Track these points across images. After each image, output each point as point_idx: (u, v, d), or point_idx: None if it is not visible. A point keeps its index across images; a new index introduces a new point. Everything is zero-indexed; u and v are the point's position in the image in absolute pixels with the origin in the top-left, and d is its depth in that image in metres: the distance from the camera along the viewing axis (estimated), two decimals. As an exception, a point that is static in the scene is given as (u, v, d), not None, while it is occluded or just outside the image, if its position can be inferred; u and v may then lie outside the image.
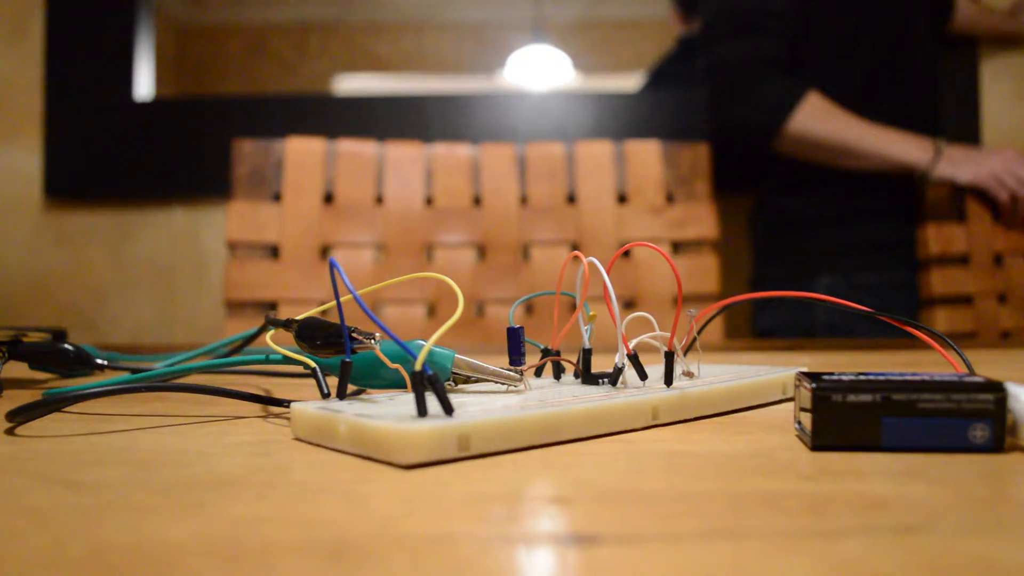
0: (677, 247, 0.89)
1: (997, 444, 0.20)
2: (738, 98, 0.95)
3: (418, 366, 0.20)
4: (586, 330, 0.27)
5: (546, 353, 0.29)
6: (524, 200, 0.89)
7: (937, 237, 0.93)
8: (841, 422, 0.20)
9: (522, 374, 0.26)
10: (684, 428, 0.25)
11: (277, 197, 0.86)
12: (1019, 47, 1.19)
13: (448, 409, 0.20)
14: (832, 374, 0.22)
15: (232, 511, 0.16)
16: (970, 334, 0.93)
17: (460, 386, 0.27)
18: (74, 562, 0.13)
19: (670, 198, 0.90)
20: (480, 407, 0.22)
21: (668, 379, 0.26)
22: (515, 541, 0.14)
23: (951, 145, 0.94)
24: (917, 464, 0.19)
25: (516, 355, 0.26)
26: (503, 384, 0.27)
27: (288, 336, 0.27)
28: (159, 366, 0.36)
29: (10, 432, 0.24)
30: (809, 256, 1.00)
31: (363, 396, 0.25)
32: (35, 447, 0.22)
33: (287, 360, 0.27)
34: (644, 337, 0.28)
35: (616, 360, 0.27)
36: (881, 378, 0.21)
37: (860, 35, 0.97)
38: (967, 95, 1.19)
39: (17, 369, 0.38)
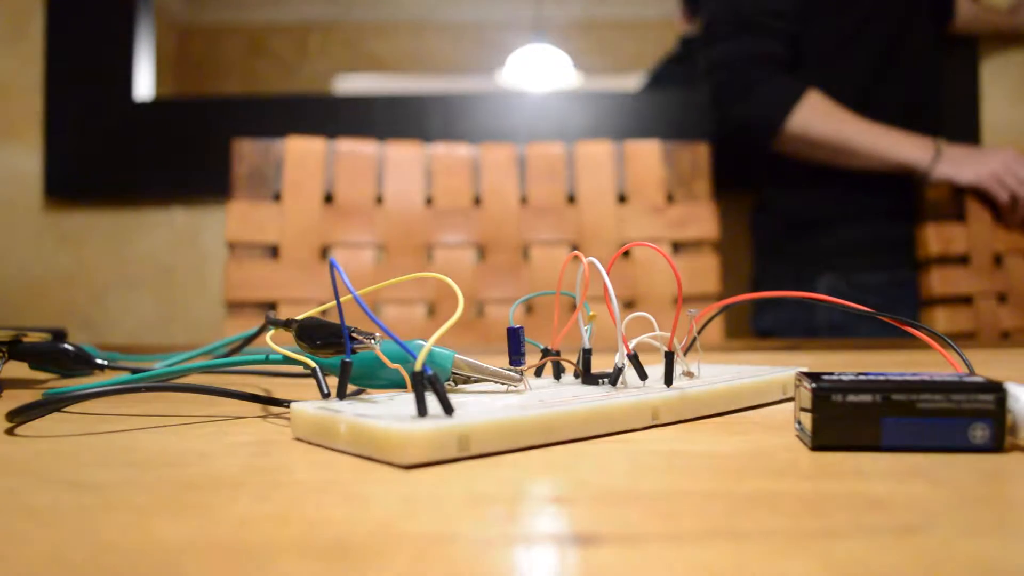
0: (677, 247, 0.88)
1: (997, 444, 0.20)
2: (738, 97, 0.95)
3: (418, 366, 0.20)
4: (586, 330, 0.27)
5: (546, 353, 0.29)
6: (524, 200, 0.89)
7: (937, 237, 0.93)
8: (841, 422, 0.20)
9: (522, 374, 0.26)
10: (684, 428, 0.25)
11: (277, 197, 0.86)
12: (1020, 45, 1.19)
13: (448, 409, 0.20)
14: (832, 374, 0.22)
15: (232, 511, 0.16)
16: (970, 334, 0.93)
17: (460, 386, 0.27)
18: (75, 562, 0.13)
19: (670, 198, 0.90)
20: (480, 407, 0.22)
21: (668, 379, 0.26)
22: (515, 541, 0.14)
23: (951, 145, 0.94)
24: (917, 464, 0.19)
25: (516, 355, 0.26)
26: (503, 384, 0.26)
27: (288, 336, 0.27)
28: (159, 366, 0.36)
29: (10, 432, 0.24)
30: (809, 256, 1.00)
31: (363, 396, 0.25)
32: (35, 447, 0.22)
33: (287, 360, 0.27)
34: (644, 337, 0.28)
35: (616, 360, 0.27)
36: (881, 378, 0.21)
37: (860, 34, 0.97)
38: (967, 95, 1.19)
39: (17, 369, 0.38)
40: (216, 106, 1.18)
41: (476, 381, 0.27)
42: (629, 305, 0.86)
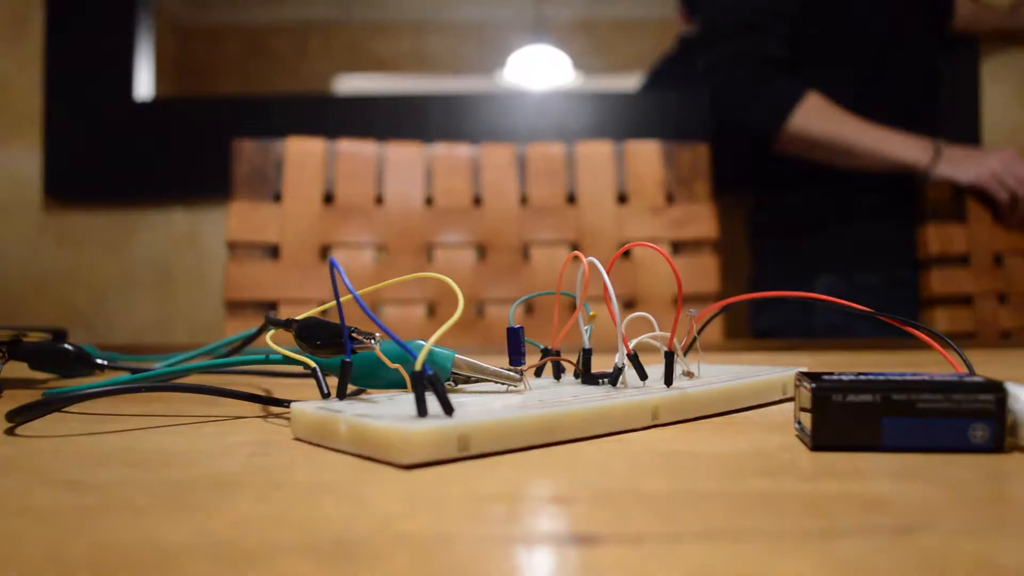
0: (677, 247, 0.88)
1: (997, 444, 0.20)
2: (738, 98, 0.95)
3: (418, 366, 0.20)
4: (586, 330, 0.27)
5: (546, 353, 0.29)
6: (524, 200, 0.89)
7: (937, 237, 0.93)
8: (841, 422, 0.20)
9: (522, 374, 0.26)
10: (684, 428, 0.25)
11: (277, 197, 0.86)
12: (1020, 45, 1.19)
13: (448, 409, 0.20)
14: (832, 374, 0.22)
15: (232, 511, 0.16)
16: (970, 334, 0.93)
17: (460, 386, 0.27)
18: (74, 562, 0.13)
19: (670, 198, 0.90)
20: (480, 407, 0.22)
21: (668, 379, 0.26)
22: (515, 541, 0.14)
23: (951, 145, 0.94)
24: (917, 464, 0.19)
25: (516, 355, 0.26)
26: (503, 384, 0.26)
27: (288, 336, 0.27)
28: (159, 366, 0.36)
29: (10, 432, 0.24)
30: (808, 256, 1.00)
31: (363, 396, 0.25)
32: (35, 447, 0.22)
33: (287, 360, 0.27)
34: (644, 337, 0.28)
35: (616, 360, 0.27)
36: (881, 378, 0.21)
37: (860, 34, 0.97)
38: (967, 95, 1.19)
39: (17, 369, 0.38)
40: (216, 106, 1.18)
41: (476, 381, 0.27)
42: (629, 305, 0.86)
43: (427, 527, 0.15)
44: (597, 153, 0.90)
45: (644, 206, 0.89)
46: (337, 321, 0.25)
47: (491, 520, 0.15)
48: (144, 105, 1.16)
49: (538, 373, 0.30)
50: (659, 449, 0.22)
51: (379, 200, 0.88)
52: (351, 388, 0.25)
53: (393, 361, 0.24)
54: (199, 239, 1.18)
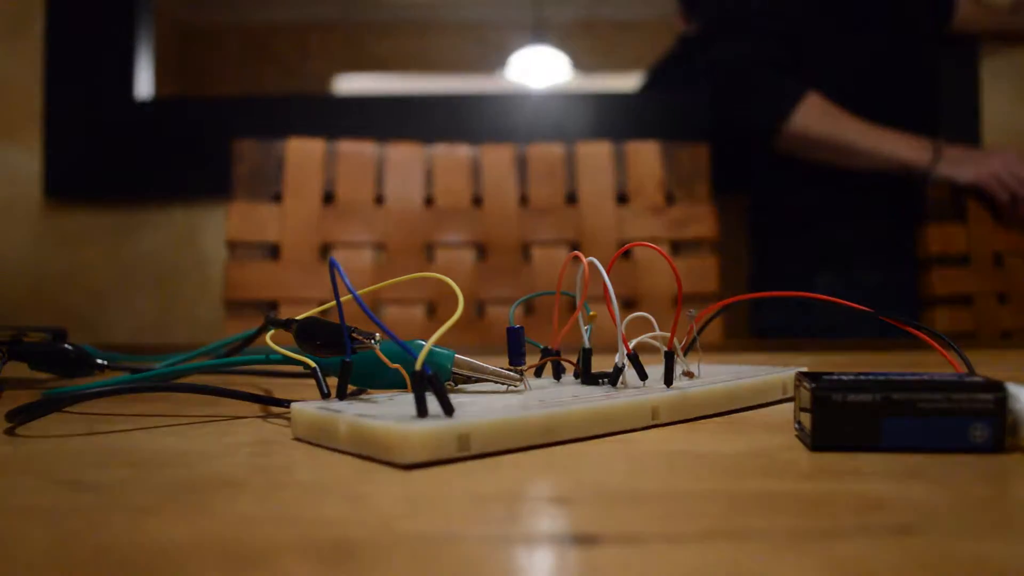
0: (677, 247, 0.88)
1: (997, 444, 0.20)
2: (738, 98, 0.95)
3: (418, 366, 0.20)
4: (586, 330, 0.27)
5: (546, 353, 0.29)
6: (524, 200, 0.89)
7: (937, 237, 0.93)
8: (841, 422, 0.20)
9: (522, 374, 0.26)
10: (684, 428, 0.25)
11: (277, 197, 0.86)
12: (1020, 45, 1.19)
13: (448, 409, 0.20)
14: (832, 374, 0.22)
15: (232, 511, 0.16)
16: (970, 334, 0.93)
17: (460, 386, 0.27)
18: (74, 562, 0.13)
19: (670, 198, 0.90)
20: (480, 407, 0.22)
21: (668, 379, 0.26)
22: (515, 541, 0.14)
23: (951, 145, 0.94)
24: (917, 464, 0.19)
25: (516, 355, 0.26)
26: (503, 384, 0.26)
27: (288, 336, 0.27)
28: (159, 366, 0.36)
29: (10, 432, 0.24)
30: (808, 255, 1.00)
31: (363, 396, 0.25)
32: (35, 447, 0.22)
33: (287, 360, 0.27)
34: (644, 337, 0.28)
35: (616, 360, 0.27)
36: (881, 378, 0.21)
37: (860, 34, 0.97)
38: (967, 95, 1.19)
39: (17, 369, 0.38)
40: (216, 106, 1.18)
41: (476, 381, 0.27)
42: (629, 305, 0.86)
43: (427, 527, 0.15)
44: (597, 153, 0.90)
45: (644, 206, 0.89)
46: (337, 321, 0.25)
47: (491, 520, 0.15)
48: (144, 105, 1.16)
49: (538, 373, 0.30)
50: (659, 449, 0.22)
51: (379, 200, 0.87)
52: (351, 388, 0.25)
53: (393, 361, 0.24)
54: (199, 239, 1.18)
